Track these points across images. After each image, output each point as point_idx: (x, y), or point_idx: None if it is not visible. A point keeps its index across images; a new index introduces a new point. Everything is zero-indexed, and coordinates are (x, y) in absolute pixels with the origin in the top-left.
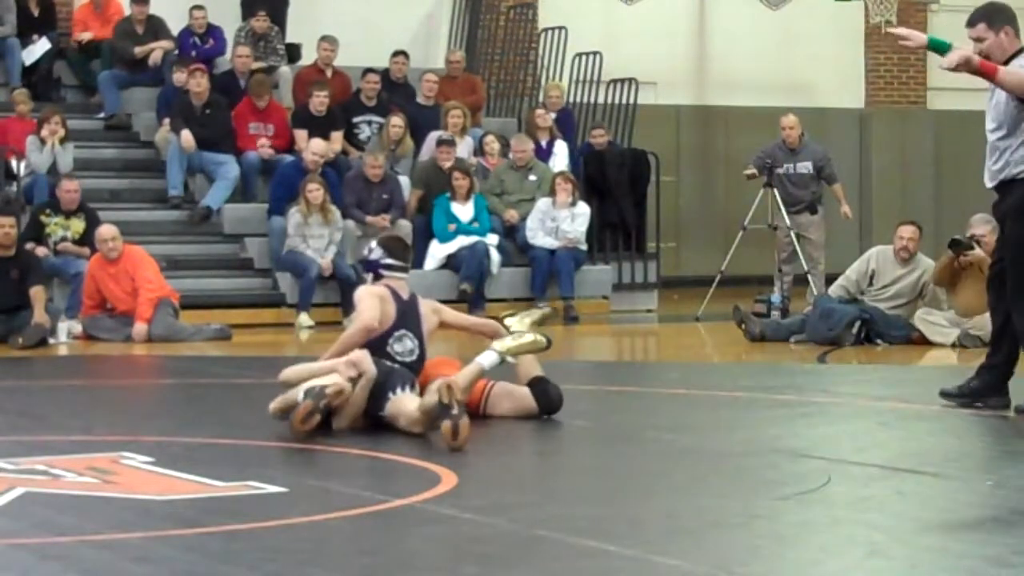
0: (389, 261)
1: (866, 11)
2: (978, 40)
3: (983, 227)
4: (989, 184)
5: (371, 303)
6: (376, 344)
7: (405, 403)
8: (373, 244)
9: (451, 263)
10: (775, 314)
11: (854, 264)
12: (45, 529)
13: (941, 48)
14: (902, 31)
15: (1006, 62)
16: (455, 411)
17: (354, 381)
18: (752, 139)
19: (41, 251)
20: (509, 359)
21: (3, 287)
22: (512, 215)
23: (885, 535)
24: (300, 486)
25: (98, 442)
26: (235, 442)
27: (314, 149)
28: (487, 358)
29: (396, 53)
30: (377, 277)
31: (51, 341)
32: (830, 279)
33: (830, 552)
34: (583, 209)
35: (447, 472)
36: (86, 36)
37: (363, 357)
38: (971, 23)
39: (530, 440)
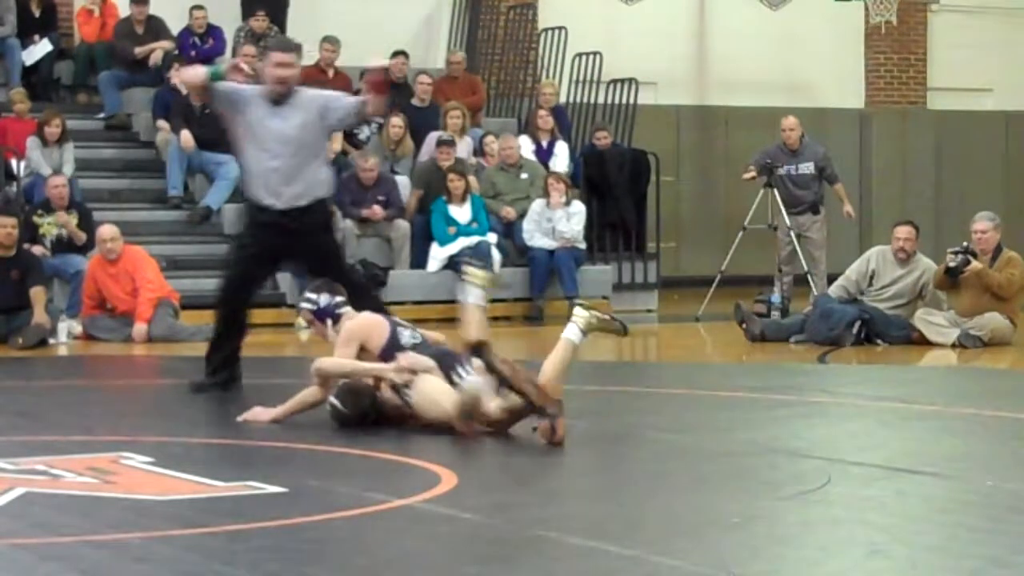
0: (339, 300)
1: (866, 11)
2: (288, 65)
3: (984, 223)
4: (282, 206)
5: (346, 353)
6: (394, 345)
7: (437, 393)
8: (312, 296)
9: (453, 264)
10: (775, 314)
11: (854, 264)
12: (45, 529)
13: (217, 76)
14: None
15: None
16: (551, 411)
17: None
18: (752, 139)
19: (37, 250)
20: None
21: (3, 287)
22: (509, 212)
23: (885, 535)
24: (300, 486)
25: (98, 442)
26: (235, 442)
27: None
28: (572, 332)
29: (396, 53)
30: (336, 319)
31: (51, 341)
32: (831, 279)
33: (830, 552)
34: (578, 208)
35: (447, 472)
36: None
37: (414, 358)
38: (287, 49)
39: (530, 440)
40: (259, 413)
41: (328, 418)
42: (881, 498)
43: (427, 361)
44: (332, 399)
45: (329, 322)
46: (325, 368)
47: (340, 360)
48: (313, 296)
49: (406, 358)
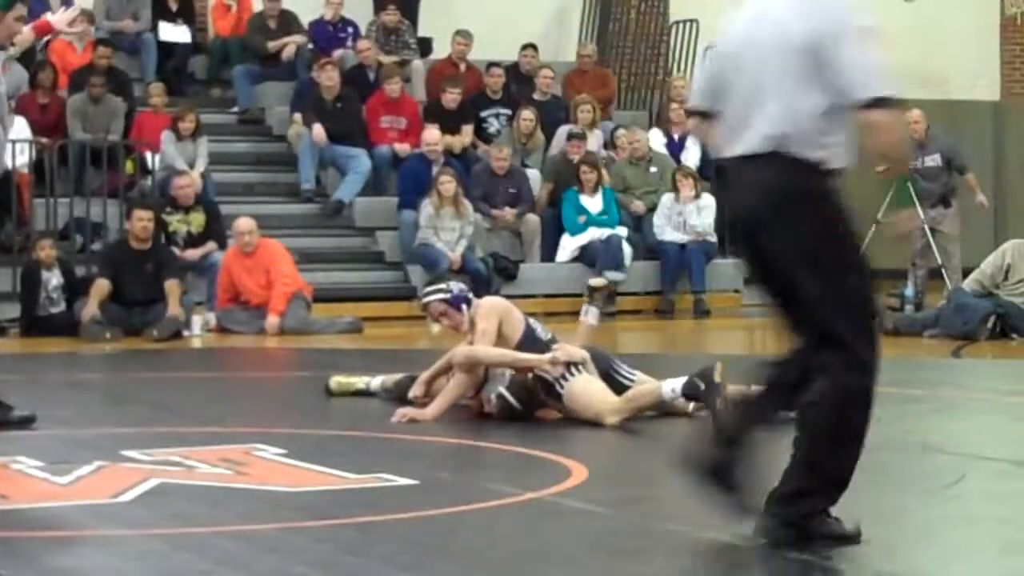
0: (464, 286)
1: (1001, 2)
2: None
3: None
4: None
5: (486, 328)
6: (530, 336)
7: (591, 391)
8: (441, 285)
9: (584, 256)
10: (908, 308)
11: (989, 258)
12: (179, 520)
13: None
14: None
15: None
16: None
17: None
18: None
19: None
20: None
21: (139, 280)
22: (638, 206)
23: (1020, 531)
24: (431, 479)
25: (231, 434)
26: (366, 434)
27: (426, 139)
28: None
29: (525, 46)
30: (469, 304)
31: (185, 334)
32: (966, 273)
33: (964, 548)
34: (708, 201)
35: (577, 466)
36: None
37: (571, 350)
38: None
39: (659, 434)
40: (411, 412)
41: (459, 410)
42: (1016, 494)
43: (583, 352)
44: (503, 391)
45: (464, 308)
46: (480, 357)
47: (498, 350)
48: (443, 285)
49: (563, 350)
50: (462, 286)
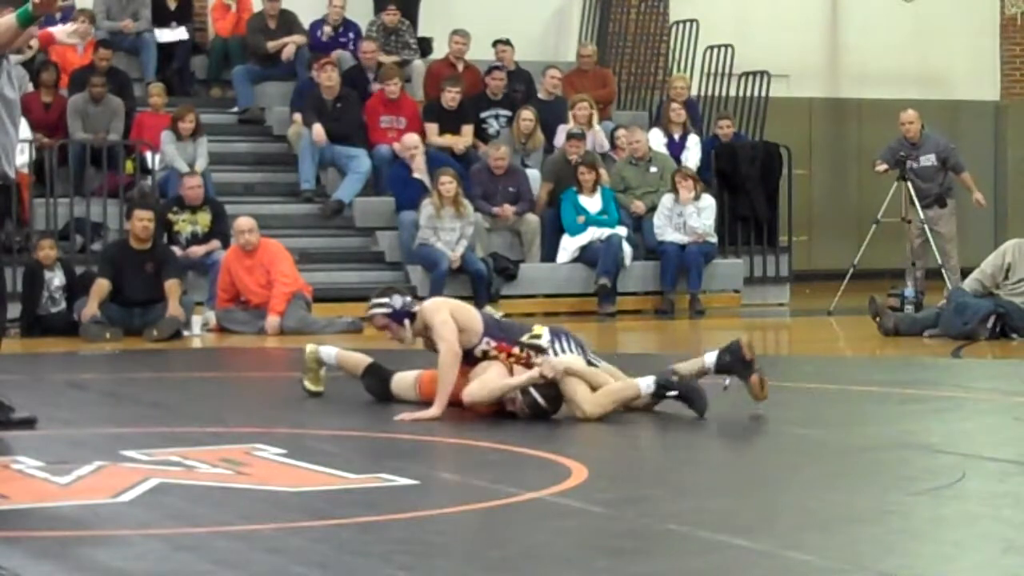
0: (409, 299)
1: (1001, 2)
2: None
3: None
4: None
5: (444, 319)
6: (492, 324)
7: (571, 390)
8: (383, 300)
9: (584, 256)
10: (908, 308)
11: (989, 258)
12: (178, 519)
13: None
14: None
15: None
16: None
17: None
18: (885, 132)
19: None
20: None
21: (139, 280)
22: (639, 206)
23: (1020, 531)
24: (431, 478)
25: (231, 434)
26: (366, 435)
27: (405, 143)
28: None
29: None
30: (412, 318)
31: (185, 333)
32: (965, 273)
33: (964, 548)
34: (708, 202)
35: (577, 466)
36: None
37: (552, 363)
38: None
39: (660, 434)
40: (417, 413)
41: (460, 410)
42: (1017, 494)
43: (565, 362)
44: (532, 391)
45: (407, 322)
46: (483, 399)
47: (491, 385)
48: (385, 300)
49: (547, 365)
50: (408, 299)
